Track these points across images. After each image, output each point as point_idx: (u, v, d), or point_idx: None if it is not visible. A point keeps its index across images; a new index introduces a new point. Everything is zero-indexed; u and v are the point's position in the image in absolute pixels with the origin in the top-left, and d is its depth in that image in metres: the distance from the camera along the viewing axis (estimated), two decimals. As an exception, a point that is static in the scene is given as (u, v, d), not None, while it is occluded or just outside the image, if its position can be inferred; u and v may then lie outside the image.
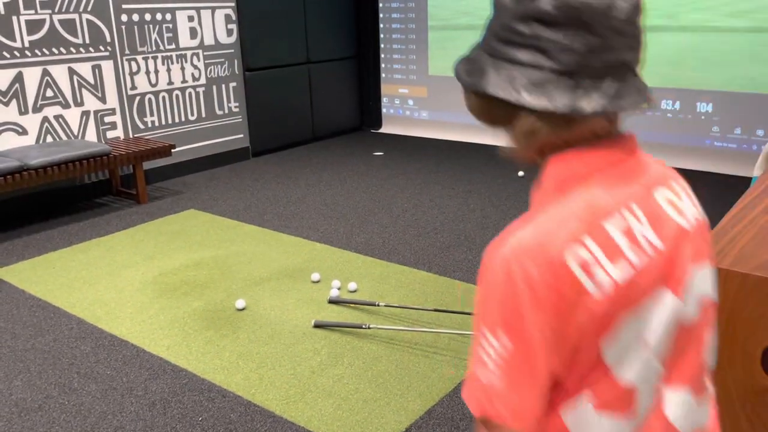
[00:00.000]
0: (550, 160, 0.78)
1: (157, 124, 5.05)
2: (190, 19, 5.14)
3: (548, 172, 0.78)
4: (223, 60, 5.44)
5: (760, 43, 4.73)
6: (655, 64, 5.20)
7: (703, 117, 5.10)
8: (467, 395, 0.75)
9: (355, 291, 3.07)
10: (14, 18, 4.13)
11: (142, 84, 4.89)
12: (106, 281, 3.26)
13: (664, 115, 5.26)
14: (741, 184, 4.67)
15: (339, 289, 3.07)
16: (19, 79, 4.21)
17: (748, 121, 4.92)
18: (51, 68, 4.35)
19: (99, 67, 4.61)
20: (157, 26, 4.92)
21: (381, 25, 6.70)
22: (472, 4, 6.08)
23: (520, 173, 4.99)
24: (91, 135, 4.63)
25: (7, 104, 4.18)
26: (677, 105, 5.19)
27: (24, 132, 4.29)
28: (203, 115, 5.37)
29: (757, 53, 4.76)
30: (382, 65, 6.80)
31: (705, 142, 5.12)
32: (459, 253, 3.52)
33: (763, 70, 4.76)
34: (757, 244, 1.03)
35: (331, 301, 2.94)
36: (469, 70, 0.79)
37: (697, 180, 4.80)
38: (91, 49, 4.54)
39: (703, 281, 0.80)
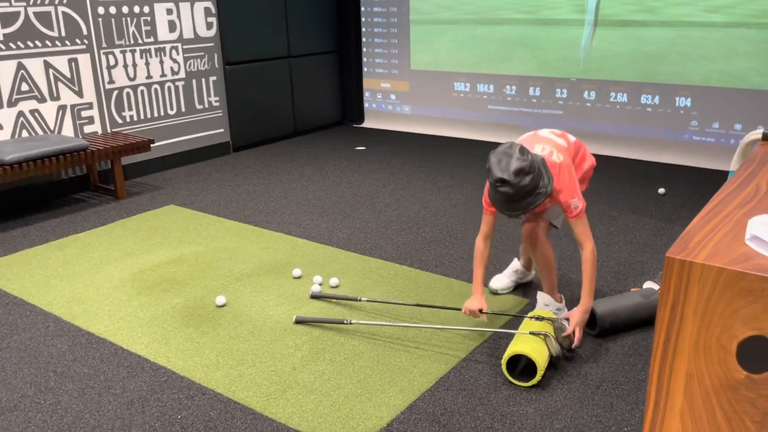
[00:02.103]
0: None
1: (135, 118, 4.98)
2: (169, 12, 5.08)
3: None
4: (202, 54, 5.38)
5: (737, 38, 4.78)
6: (635, 59, 5.23)
7: (681, 111, 5.14)
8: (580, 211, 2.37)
9: (336, 286, 3.06)
10: (-13, 10, 4.05)
11: (120, 78, 4.82)
12: (84, 278, 3.21)
13: (644, 110, 5.30)
14: (719, 178, 4.73)
15: (320, 284, 3.05)
16: (-7, 72, 4.13)
17: (726, 115, 4.97)
18: (26, 62, 4.27)
19: (75, 60, 4.53)
20: (135, 19, 4.85)
21: (362, 19, 6.67)
22: (453, -1, 6.07)
23: None
24: (67, 130, 4.56)
25: (-20, 98, 4.10)
26: (656, 99, 5.23)
27: (-1, 127, 4.21)
28: (183, 109, 5.31)
29: (735, 48, 4.81)
30: (364, 59, 6.78)
31: (684, 136, 5.17)
32: (441, 247, 3.52)
33: (740, 65, 4.82)
34: (732, 238, 1.03)
35: (313, 297, 2.92)
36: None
37: (675, 174, 4.85)
38: (67, 42, 4.47)
39: None
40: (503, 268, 3.12)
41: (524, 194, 2.22)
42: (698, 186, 4.53)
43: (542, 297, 2.66)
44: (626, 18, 5.22)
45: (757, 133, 1.68)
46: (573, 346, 2.38)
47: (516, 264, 3.01)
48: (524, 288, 3.02)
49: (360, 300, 2.84)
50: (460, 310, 2.59)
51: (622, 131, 5.44)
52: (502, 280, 2.98)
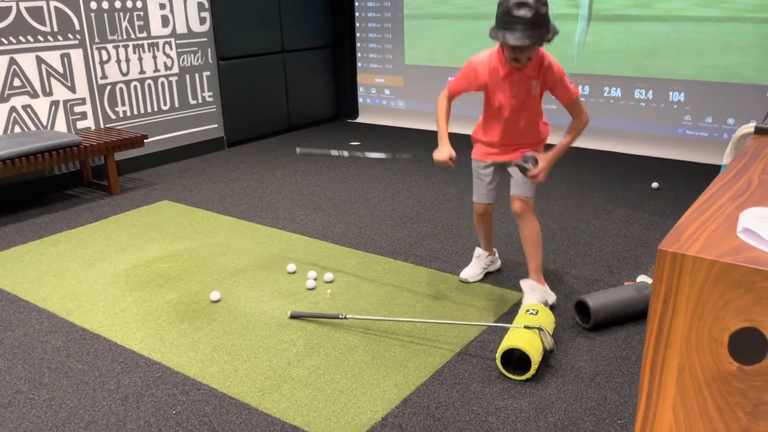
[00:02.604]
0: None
1: (129, 114, 4.96)
2: (162, 6, 5.05)
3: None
4: (196, 49, 5.36)
5: (730, 32, 4.79)
6: (629, 53, 5.24)
7: (675, 106, 5.16)
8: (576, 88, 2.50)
9: (331, 281, 3.06)
10: (-22, 5, 4.02)
11: (113, 73, 4.80)
12: (78, 274, 3.20)
13: (637, 105, 5.32)
14: (712, 172, 4.74)
15: (315, 279, 3.05)
16: (-16, 68, 4.11)
17: (719, 110, 4.99)
18: (18, 57, 4.25)
19: (68, 55, 4.51)
20: (128, 14, 4.83)
21: (356, 14, 6.66)
22: (447, -7, 6.06)
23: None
24: (60, 125, 4.54)
25: (-28, 94, 4.08)
26: (650, 94, 5.24)
27: (-9, 122, 4.19)
28: (176, 104, 5.30)
29: (728, 43, 4.82)
30: (358, 54, 6.77)
31: (677, 130, 5.19)
32: (436, 242, 3.53)
33: (733, 60, 4.83)
34: (724, 231, 1.04)
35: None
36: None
37: (669, 168, 4.87)
38: (59, 37, 4.44)
39: None
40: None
41: (539, 23, 2.30)
42: (691, 180, 4.55)
43: (526, 283, 2.71)
44: (620, 13, 5.23)
45: (750, 127, 1.68)
46: (532, 175, 2.48)
47: (478, 251, 3.05)
48: (518, 281, 3.02)
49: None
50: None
51: (616, 126, 5.45)
52: (470, 270, 3.03)
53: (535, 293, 2.66)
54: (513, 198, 2.70)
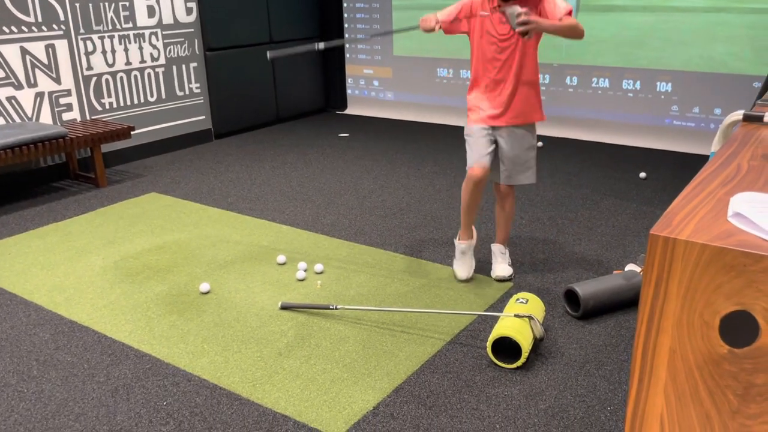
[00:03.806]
0: None
1: (115, 105, 4.91)
2: (148, -3, 5.00)
3: None
4: (182, 39, 5.31)
5: (717, 22, 4.82)
6: (617, 44, 5.26)
7: (662, 96, 5.18)
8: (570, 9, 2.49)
9: (321, 272, 3.06)
10: (-40, -5, 3.96)
11: (98, 64, 4.75)
12: (65, 267, 3.17)
13: (625, 95, 5.34)
14: (699, 161, 4.78)
15: (305, 270, 3.05)
16: (-33, 58, 4.05)
17: (706, 100, 5.02)
18: (2, 48, 4.19)
19: (53, 46, 4.45)
20: (113, 4, 4.77)
21: (345, 5, 6.62)
22: (436, -16, 6.04)
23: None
24: (45, 117, 4.49)
25: (-45, 85, 4.01)
26: (638, 85, 5.26)
27: (-26, 114, 4.13)
28: (163, 96, 5.25)
29: (715, 33, 4.85)
30: (347, 46, 6.73)
31: (665, 121, 5.22)
32: (425, 233, 3.53)
33: (720, 50, 4.86)
34: (715, 215, 1.04)
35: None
36: None
37: (656, 158, 4.90)
38: (44, 27, 4.39)
39: None
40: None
41: None
42: (679, 170, 4.58)
43: (497, 247, 3.01)
44: (608, 3, 5.23)
45: (738, 115, 1.69)
46: (520, 21, 2.42)
47: (462, 245, 2.95)
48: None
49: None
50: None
51: (604, 116, 5.47)
52: (466, 267, 2.95)
53: (506, 255, 3.00)
54: (500, 185, 2.89)
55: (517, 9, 2.42)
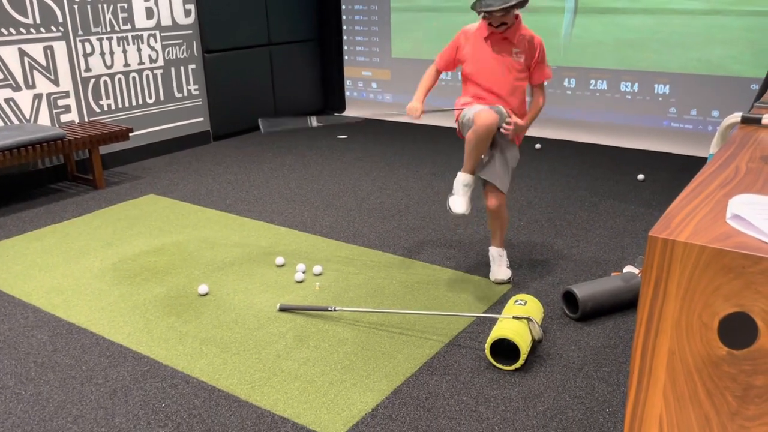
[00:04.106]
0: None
1: (113, 107, 4.91)
2: (146, -2, 5.00)
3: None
4: (181, 41, 5.31)
5: (714, 25, 4.83)
6: (616, 46, 5.27)
7: (660, 99, 5.19)
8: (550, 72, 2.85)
9: (320, 274, 3.06)
10: (-41, -4, 3.96)
11: (97, 66, 4.74)
12: (63, 269, 3.17)
13: (623, 97, 5.35)
14: (697, 164, 4.78)
15: (304, 272, 3.05)
16: (-35, 60, 4.04)
17: (703, 102, 5.03)
18: (0, 49, 4.18)
19: (51, 48, 4.45)
20: (112, 6, 4.77)
21: (343, 7, 6.63)
22: (434, -14, 6.05)
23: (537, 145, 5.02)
24: (44, 119, 4.48)
25: (-47, 87, 4.01)
26: (636, 87, 5.27)
27: (-28, 116, 4.13)
28: (161, 98, 5.25)
29: (713, 36, 4.86)
30: (345, 47, 6.74)
31: (663, 123, 5.23)
32: (424, 235, 3.53)
33: (718, 53, 4.87)
34: (713, 217, 1.04)
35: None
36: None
37: (654, 160, 4.90)
38: (42, 29, 4.38)
39: None
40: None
41: None
42: (677, 172, 4.59)
43: (496, 250, 2.99)
44: (606, 5, 5.25)
45: (736, 117, 1.70)
46: (505, 129, 2.71)
47: (467, 177, 2.81)
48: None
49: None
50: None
51: (602, 118, 5.48)
52: (464, 200, 2.80)
53: (504, 258, 2.98)
54: (489, 191, 2.87)
55: (505, 116, 2.70)
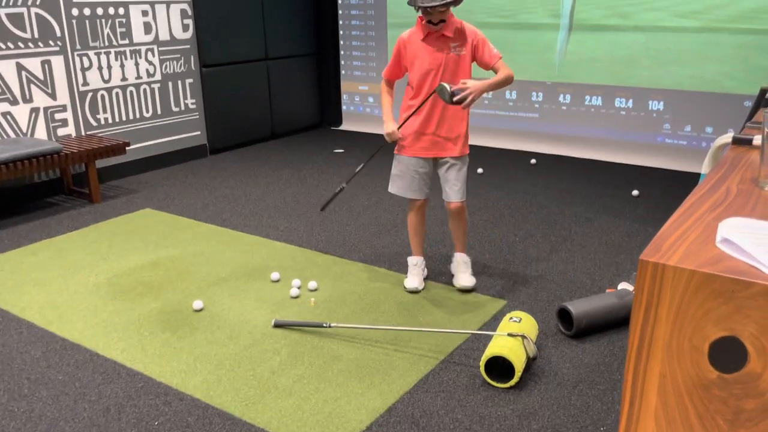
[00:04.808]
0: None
1: (110, 121, 4.92)
2: (144, 13, 5.03)
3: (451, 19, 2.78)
4: (179, 56, 5.34)
5: (708, 42, 4.88)
6: (610, 63, 5.31)
7: (654, 115, 5.23)
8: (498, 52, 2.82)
9: (315, 290, 3.05)
10: (-43, 11, 3.98)
11: (94, 80, 4.76)
12: (58, 283, 3.16)
13: (618, 113, 5.38)
14: (691, 179, 4.81)
15: (299, 288, 3.05)
16: (-37, 74, 4.05)
17: (697, 118, 5.07)
18: (-3, 63, 4.20)
19: (49, 62, 4.47)
20: (110, 21, 4.80)
21: (340, 22, 6.67)
22: (430, 2, 6.09)
23: (479, 170, 5.04)
24: (41, 132, 4.49)
25: (-50, 101, 4.02)
26: (630, 103, 5.31)
27: (-31, 129, 4.13)
28: (159, 112, 5.27)
29: (706, 53, 4.91)
30: (342, 62, 6.78)
31: (657, 138, 5.26)
32: (419, 250, 3.53)
33: (711, 70, 4.91)
34: (703, 241, 1.05)
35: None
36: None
37: (649, 176, 4.93)
38: (40, 44, 4.40)
39: None
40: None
41: None
42: (671, 188, 4.61)
43: (461, 256, 3.07)
44: (600, 23, 5.30)
45: (728, 137, 1.71)
46: (458, 98, 2.63)
47: (414, 259, 3.11)
48: (501, 289, 3.04)
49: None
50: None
51: (597, 134, 5.51)
52: (417, 279, 3.05)
53: (468, 265, 3.06)
54: (451, 203, 2.96)
55: (447, 90, 2.63)
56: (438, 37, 2.78)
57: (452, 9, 2.74)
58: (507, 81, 2.78)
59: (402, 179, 2.96)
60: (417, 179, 2.93)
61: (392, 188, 3.01)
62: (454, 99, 2.63)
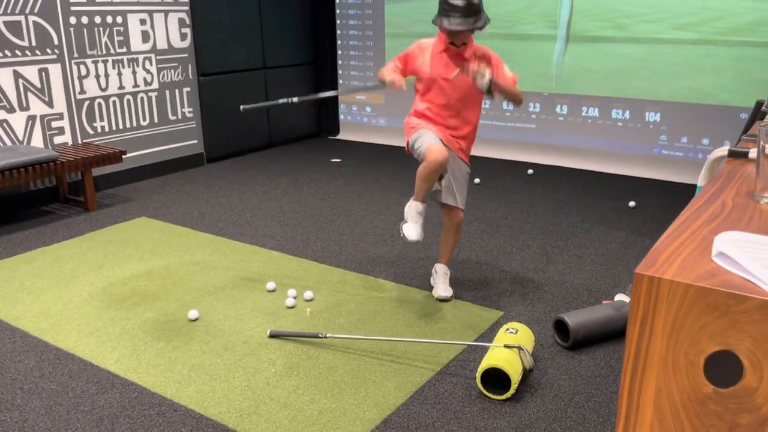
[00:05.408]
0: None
1: (107, 129, 4.92)
2: (142, 22, 5.04)
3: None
4: (176, 64, 5.34)
5: (705, 55, 4.90)
6: (607, 74, 5.33)
7: (651, 126, 5.25)
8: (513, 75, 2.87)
9: (311, 300, 3.04)
10: (-45, 19, 3.98)
11: (91, 88, 4.76)
12: (53, 292, 3.15)
13: (615, 124, 5.40)
14: (687, 191, 4.82)
15: (295, 298, 3.04)
16: (-40, 82, 4.05)
17: (694, 130, 5.08)
18: (-5, 71, 4.20)
19: (46, 70, 4.47)
20: (108, 29, 4.81)
21: (338, 32, 6.70)
22: (428, 12, 6.12)
23: (476, 180, 5.04)
24: (37, 140, 4.49)
25: (-53, 108, 4.01)
26: (627, 114, 5.33)
27: (-35, 137, 4.13)
28: (156, 120, 5.26)
29: (702, 65, 4.93)
30: (340, 72, 6.80)
31: (653, 150, 5.28)
32: (416, 260, 3.53)
33: (707, 81, 4.94)
34: (698, 255, 1.05)
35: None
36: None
37: (645, 187, 4.94)
38: (37, 51, 4.41)
39: None
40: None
41: (472, 11, 2.68)
42: (667, 199, 4.62)
43: (442, 267, 3.10)
44: (597, 34, 5.32)
45: (724, 150, 1.72)
46: (485, 77, 2.59)
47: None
48: (498, 300, 3.04)
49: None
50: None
51: (594, 145, 5.53)
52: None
53: (447, 276, 3.10)
54: (450, 209, 2.96)
55: (487, 78, 2.61)
56: (454, 54, 2.82)
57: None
58: (517, 96, 2.80)
59: (427, 134, 2.83)
60: (439, 139, 2.83)
61: (419, 143, 2.82)
62: (491, 89, 2.61)
